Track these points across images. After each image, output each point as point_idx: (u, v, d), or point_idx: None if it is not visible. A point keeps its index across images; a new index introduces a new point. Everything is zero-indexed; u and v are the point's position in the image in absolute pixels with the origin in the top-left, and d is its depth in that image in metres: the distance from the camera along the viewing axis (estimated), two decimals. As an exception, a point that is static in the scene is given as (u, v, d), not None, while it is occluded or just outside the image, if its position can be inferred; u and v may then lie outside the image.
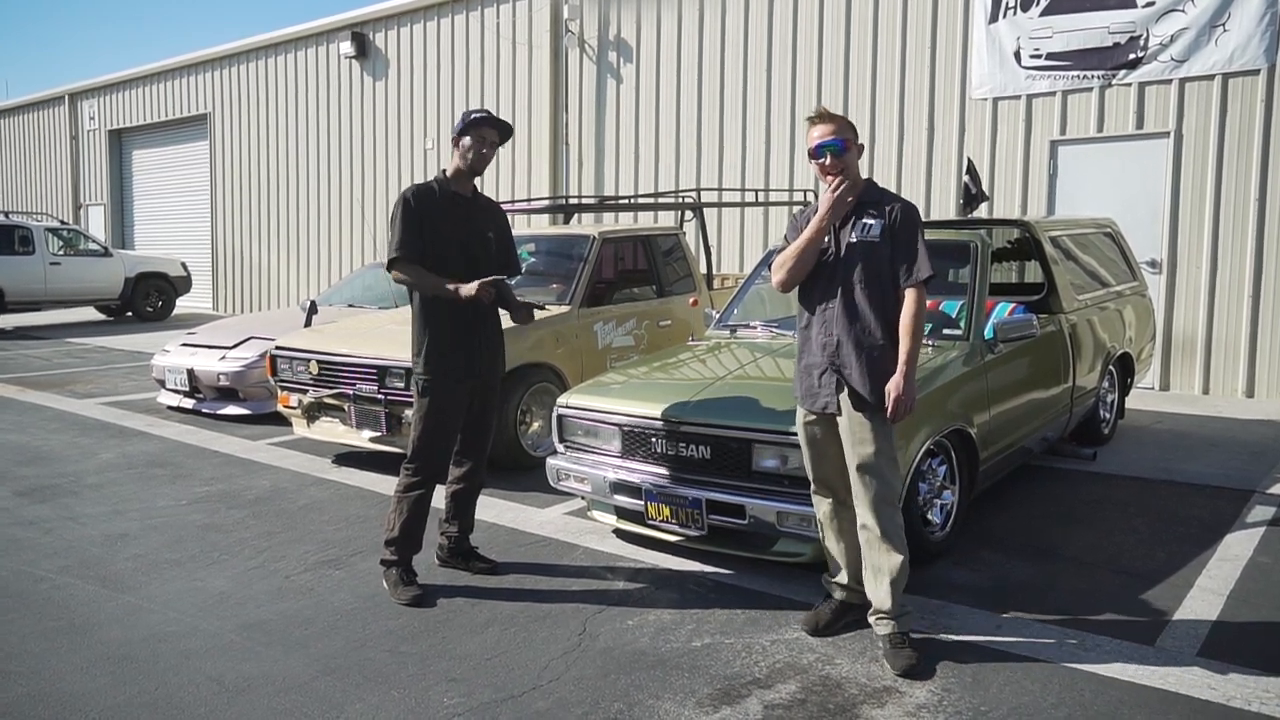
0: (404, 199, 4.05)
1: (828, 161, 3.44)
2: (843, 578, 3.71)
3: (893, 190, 3.79)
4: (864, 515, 3.47)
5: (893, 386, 3.35)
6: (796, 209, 3.77)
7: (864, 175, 3.62)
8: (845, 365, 3.44)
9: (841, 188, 3.42)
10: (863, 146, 3.58)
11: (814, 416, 3.57)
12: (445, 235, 4.05)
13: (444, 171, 4.17)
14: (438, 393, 4.06)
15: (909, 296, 3.40)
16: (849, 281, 3.45)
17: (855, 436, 3.43)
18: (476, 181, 4.24)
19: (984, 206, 9.33)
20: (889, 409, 3.36)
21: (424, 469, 4.10)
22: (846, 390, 3.45)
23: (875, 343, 3.43)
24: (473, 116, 4.05)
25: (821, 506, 3.67)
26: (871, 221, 3.46)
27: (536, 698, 3.16)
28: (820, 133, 3.45)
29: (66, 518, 5.21)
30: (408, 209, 4.03)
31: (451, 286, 3.94)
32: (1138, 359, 6.98)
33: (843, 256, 3.48)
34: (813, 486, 3.68)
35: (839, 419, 3.49)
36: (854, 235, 3.47)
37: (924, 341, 4.64)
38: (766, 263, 5.72)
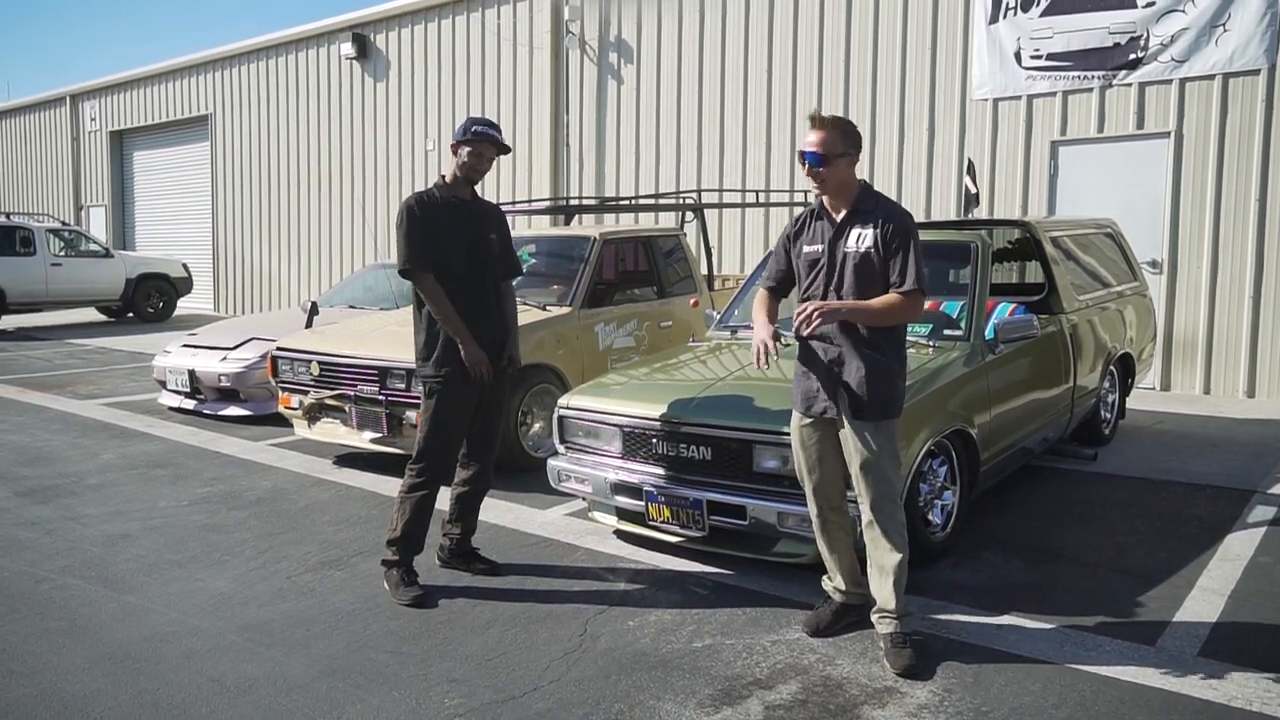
0: (408, 207, 4.07)
1: (807, 169, 3.47)
2: (840, 582, 3.72)
3: (891, 194, 3.80)
4: (866, 513, 3.47)
5: (822, 303, 3.33)
6: (789, 223, 3.75)
7: (864, 177, 3.61)
8: (845, 371, 3.45)
9: (762, 353, 3.45)
10: (853, 157, 3.48)
11: (810, 421, 3.57)
12: (449, 240, 4.07)
13: (442, 177, 4.19)
14: (444, 395, 4.07)
15: (894, 294, 3.40)
16: (843, 293, 3.46)
17: (856, 437, 3.44)
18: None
19: (984, 206, 9.34)
20: (796, 316, 3.33)
21: (429, 470, 4.10)
22: (845, 395, 3.45)
23: (873, 350, 3.43)
24: (475, 130, 4.06)
25: (814, 513, 3.67)
26: (865, 232, 3.45)
27: (537, 699, 3.16)
28: (809, 141, 3.44)
29: (68, 518, 5.21)
30: (413, 216, 4.05)
31: (465, 349, 4.00)
32: (1138, 359, 6.97)
33: (838, 267, 3.48)
34: (807, 493, 3.67)
35: (838, 425, 3.49)
36: (848, 246, 3.47)
37: (926, 343, 4.66)
38: (767, 263, 5.72)
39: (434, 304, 4.04)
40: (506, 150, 4.18)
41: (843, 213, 3.51)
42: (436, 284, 4.03)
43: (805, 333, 3.40)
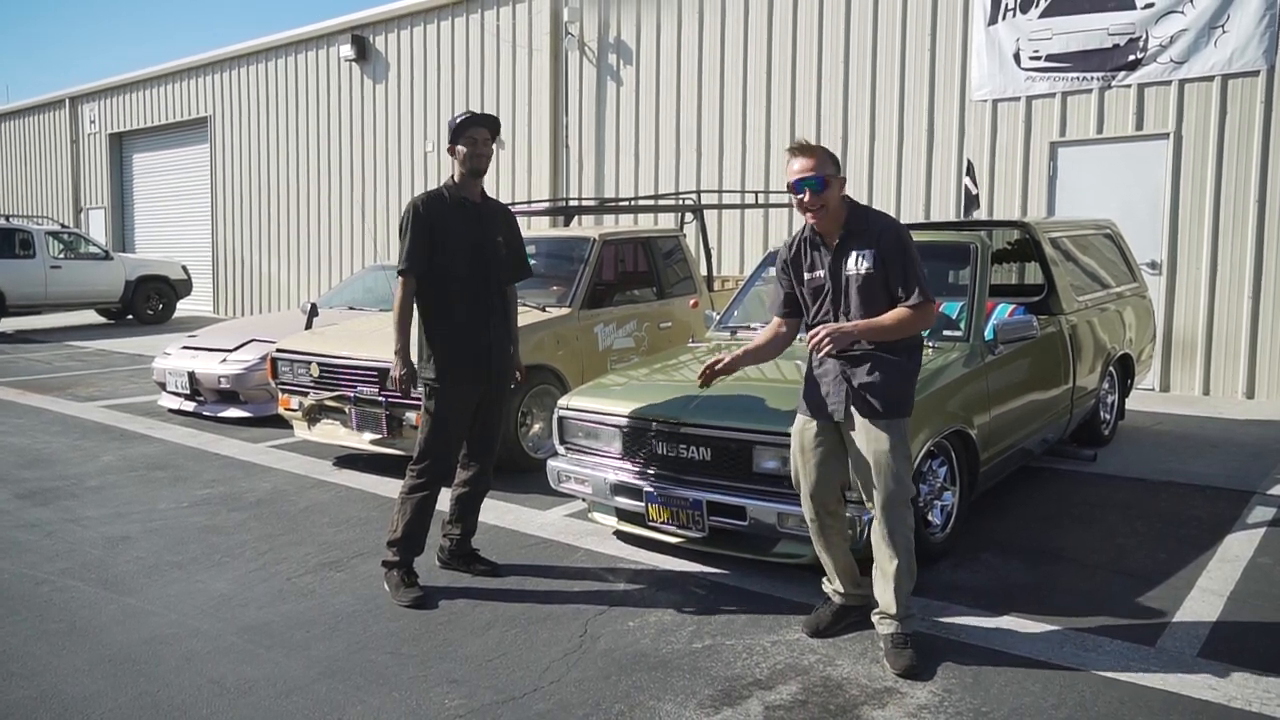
0: (413, 206, 4.07)
1: (807, 198, 3.42)
2: (839, 584, 3.72)
3: (890, 196, 3.80)
4: (877, 515, 3.47)
5: (833, 327, 3.34)
6: (783, 249, 3.74)
7: (864, 180, 3.61)
8: (857, 372, 3.45)
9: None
10: (843, 180, 3.49)
11: (815, 424, 3.57)
12: (456, 241, 4.07)
13: (451, 178, 4.18)
14: (445, 396, 4.07)
15: (904, 308, 3.41)
16: (851, 315, 3.46)
17: (870, 438, 3.43)
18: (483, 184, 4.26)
19: (983, 207, 9.35)
20: (809, 340, 3.39)
21: (429, 471, 4.10)
22: (858, 395, 3.44)
23: (885, 350, 3.43)
24: (459, 121, 4.07)
25: (810, 516, 3.66)
26: (863, 252, 3.44)
27: (537, 699, 3.16)
28: (800, 167, 3.40)
29: (68, 520, 5.21)
30: (417, 217, 4.04)
31: (397, 349, 4.07)
32: (1138, 360, 6.98)
33: (842, 290, 3.48)
34: (803, 496, 3.67)
35: (847, 427, 3.49)
36: (849, 269, 3.46)
37: (926, 344, 4.66)
38: (766, 264, 5.73)
39: (397, 306, 4.08)
40: (496, 123, 4.18)
41: (837, 237, 3.50)
42: (412, 290, 4.06)
43: (819, 357, 3.44)
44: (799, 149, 3.44)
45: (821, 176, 3.39)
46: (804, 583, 4.09)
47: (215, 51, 18.13)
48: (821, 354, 3.38)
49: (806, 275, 3.58)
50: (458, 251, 4.07)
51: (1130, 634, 3.60)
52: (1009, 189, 9.58)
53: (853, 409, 3.46)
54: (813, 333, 3.38)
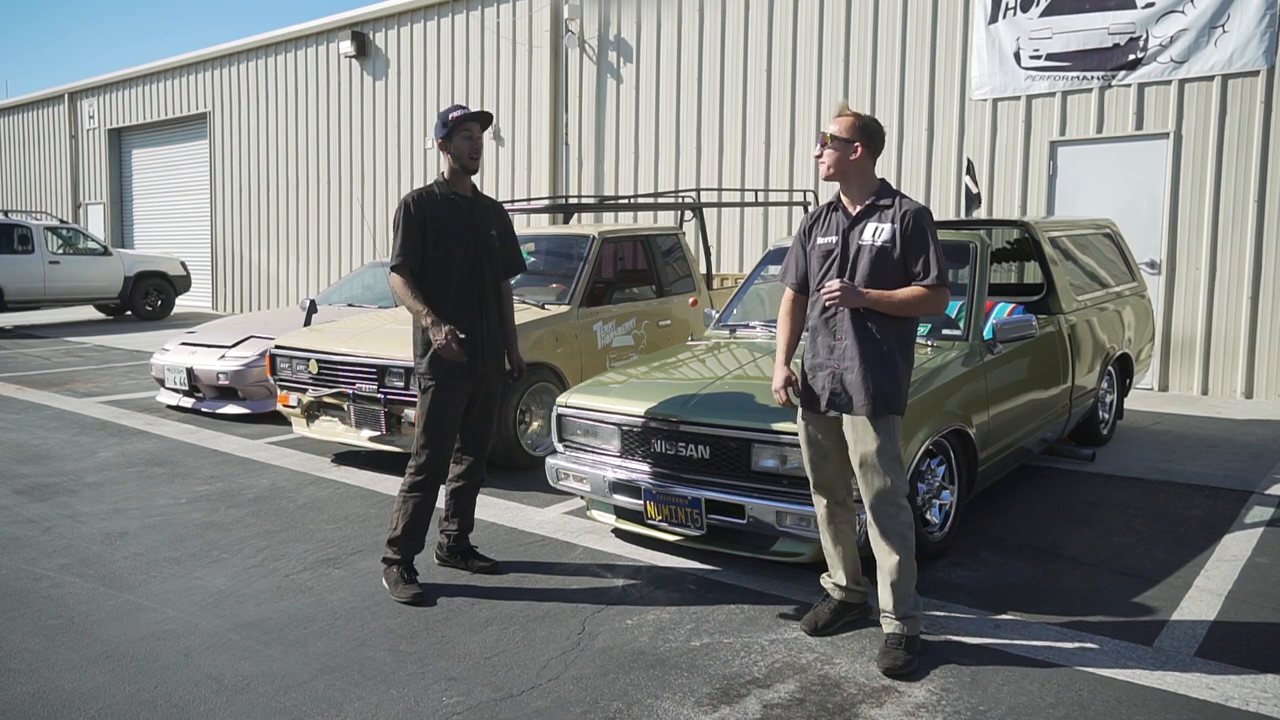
0: (405, 204, 4.07)
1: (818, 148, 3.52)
2: (840, 578, 3.72)
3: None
4: (867, 513, 3.47)
5: (848, 284, 3.37)
6: (806, 218, 3.74)
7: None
8: (849, 366, 3.44)
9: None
10: (864, 148, 3.46)
11: (816, 418, 3.57)
12: (449, 237, 4.07)
13: (442, 174, 4.18)
14: (441, 392, 4.07)
15: (919, 286, 3.41)
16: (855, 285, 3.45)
17: (858, 435, 3.43)
18: (475, 180, 4.26)
19: (982, 206, 9.35)
20: (823, 293, 3.41)
21: (426, 467, 4.10)
22: (848, 390, 3.44)
23: (880, 346, 3.43)
24: (453, 118, 4.05)
25: (819, 507, 3.67)
26: (882, 226, 3.45)
27: (535, 697, 3.17)
28: (831, 126, 3.50)
29: (66, 516, 5.21)
30: (408, 215, 4.05)
31: (429, 320, 3.95)
32: (1137, 360, 6.98)
33: (851, 259, 3.48)
34: (812, 487, 3.68)
35: (843, 420, 3.49)
36: (863, 238, 3.47)
37: (925, 342, 4.67)
38: (766, 262, 5.73)
39: (404, 291, 4.05)
40: (489, 118, 4.18)
41: (859, 206, 3.51)
42: (408, 279, 4.02)
43: (825, 302, 3.44)
44: (839, 111, 3.52)
45: (825, 135, 3.47)
46: (802, 581, 4.09)
47: (215, 47, 18.11)
48: (829, 303, 3.40)
49: (820, 239, 3.58)
50: (451, 248, 4.07)
51: (1128, 633, 3.60)
52: (1009, 188, 9.58)
53: (843, 402, 3.46)
54: (828, 286, 3.39)
